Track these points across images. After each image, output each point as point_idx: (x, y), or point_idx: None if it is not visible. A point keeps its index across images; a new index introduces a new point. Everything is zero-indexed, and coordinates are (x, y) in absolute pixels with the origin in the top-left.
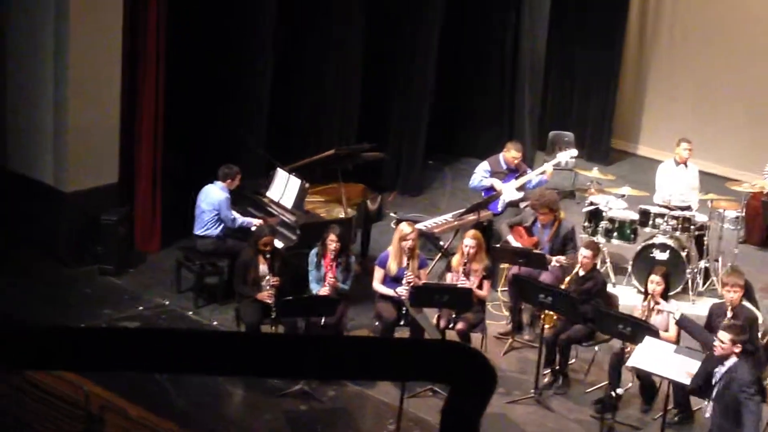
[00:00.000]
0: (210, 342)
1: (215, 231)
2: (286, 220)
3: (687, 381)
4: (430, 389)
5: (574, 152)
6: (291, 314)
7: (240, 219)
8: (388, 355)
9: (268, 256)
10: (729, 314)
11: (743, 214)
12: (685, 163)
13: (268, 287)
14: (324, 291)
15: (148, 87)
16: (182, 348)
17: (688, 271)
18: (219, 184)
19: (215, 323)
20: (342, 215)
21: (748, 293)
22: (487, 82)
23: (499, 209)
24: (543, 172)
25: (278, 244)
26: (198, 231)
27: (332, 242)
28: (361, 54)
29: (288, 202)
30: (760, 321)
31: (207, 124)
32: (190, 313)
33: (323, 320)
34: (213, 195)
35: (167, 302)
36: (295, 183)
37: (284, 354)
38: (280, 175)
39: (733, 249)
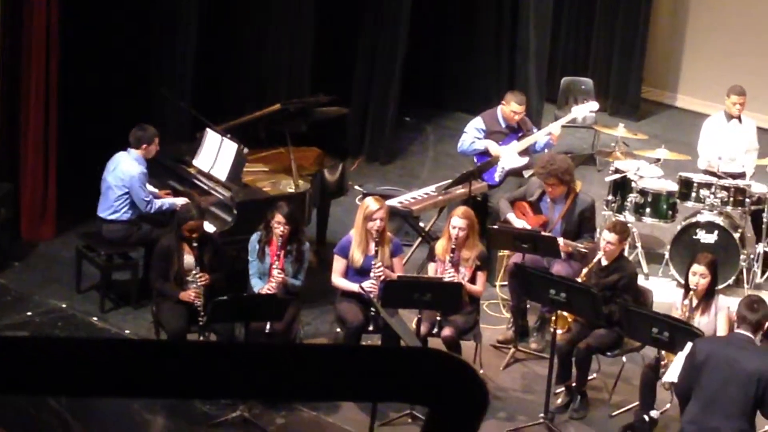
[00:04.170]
0: (121, 355)
1: (126, 214)
2: (218, 196)
3: None
4: (409, 414)
5: (594, 105)
6: (226, 319)
7: (158, 201)
8: (353, 370)
9: (195, 244)
10: None
11: None
12: (739, 118)
13: (195, 284)
14: (269, 288)
15: (36, 28)
16: (85, 364)
17: (742, 257)
18: (133, 152)
19: (127, 332)
20: (291, 189)
21: None
22: (480, 17)
23: (497, 180)
24: (550, 133)
25: (209, 228)
26: (104, 213)
27: (279, 225)
28: None
29: (221, 173)
30: None
31: (115, 76)
32: (95, 319)
33: (268, 326)
34: (124, 167)
35: (64, 305)
36: (230, 148)
37: (217, 370)
38: (211, 137)
39: None
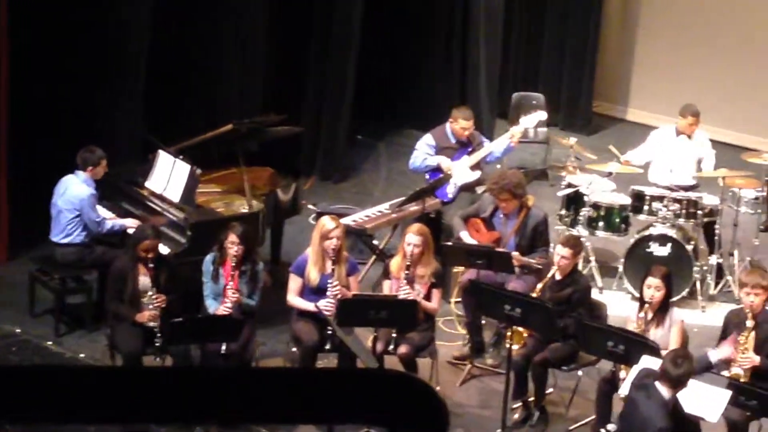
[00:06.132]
0: (75, 380)
1: (79, 237)
2: (172, 218)
3: (705, 414)
4: None
5: (543, 115)
6: (182, 340)
7: (109, 222)
8: (310, 391)
9: (150, 265)
10: (749, 323)
11: (764, 193)
12: (688, 135)
13: (150, 306)
14: (224, 309)
15: None
16: (39, 389)
17: (695, 269)
18: (81, 175)
19: (82, 355)
20: (245, 209)
21: None
22: (430, 35)
23: (450, 196)
24: (512, 136)
25: (163, 249)
26: (56, 237)
27: (233, 245)
28: (267, 5)
29: (174, 194)
30: None
31: (66, 98)
32: (50, 343)
33: (224, 347)
34: (73, 190)
35: (18, 330)
36: (183, 169)
37: (173, 393)
38: (163, 159)
39: (752, 239)
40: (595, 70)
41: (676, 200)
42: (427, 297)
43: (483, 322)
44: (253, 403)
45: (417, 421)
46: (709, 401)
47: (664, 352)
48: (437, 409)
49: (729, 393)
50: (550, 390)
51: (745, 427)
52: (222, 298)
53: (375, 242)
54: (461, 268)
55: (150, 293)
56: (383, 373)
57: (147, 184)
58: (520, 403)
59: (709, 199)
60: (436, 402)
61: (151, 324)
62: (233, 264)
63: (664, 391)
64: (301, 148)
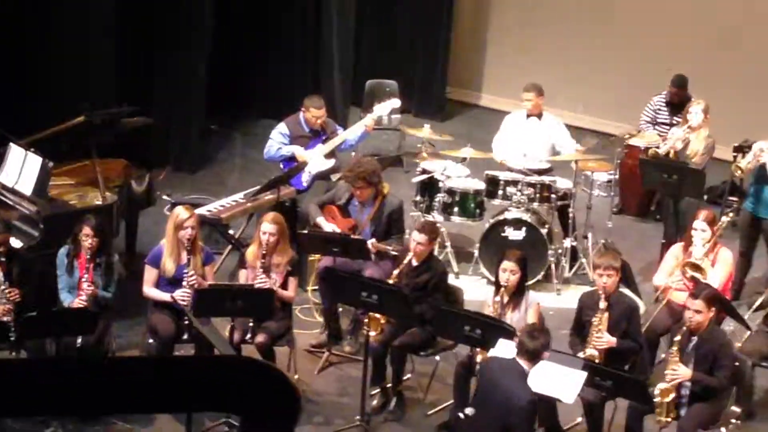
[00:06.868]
0: None
1: None
2: (24, 211)
3: (561, 395)
4: (226, 422)
5: (396, 102)
6: (36, 335)
7: None
8: (167, 381)
9: (2, 259)
10: (603, 304)
11: (616, 176)
12: (538, 116)
13: (3, 300)
14: (79, 302)
15: None
16: None
17: (550, 252)
18: None
19: None
20: (99, 201)
21: (626, 277)
22: (284, 24)
23: (305, 184)
24: (366, 124)
25: (15, 243)
26: None
27: (87, 237)
28: None
29: (26, 187)
30: (642, 311)
31: None
32: None
33: (80, 340)
34: None
35: None
36: (34, 162)
37: (27, 386)
38: (15, 152)
39: (605, 222)
40: (449, 57)
41: (529, 184)
42: (284, 285)
43: (340, 309)
44: (112, 393)
45: (269, 407)
46: (565, 382)
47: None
48: (289, 395)
49: (584, 374)
50: (408, 376)
51: (600, 407)
52: (77, 290)
53: (230, 232)
54: (317, 256)
55: (2, 287)
56: (234, 361)
57: None
58: (378, 390)
59: (563, 183)
60: (287, 388)
61: (5, 319)
62: (88, 256)
63: (523, 364)
64: (155, 140)
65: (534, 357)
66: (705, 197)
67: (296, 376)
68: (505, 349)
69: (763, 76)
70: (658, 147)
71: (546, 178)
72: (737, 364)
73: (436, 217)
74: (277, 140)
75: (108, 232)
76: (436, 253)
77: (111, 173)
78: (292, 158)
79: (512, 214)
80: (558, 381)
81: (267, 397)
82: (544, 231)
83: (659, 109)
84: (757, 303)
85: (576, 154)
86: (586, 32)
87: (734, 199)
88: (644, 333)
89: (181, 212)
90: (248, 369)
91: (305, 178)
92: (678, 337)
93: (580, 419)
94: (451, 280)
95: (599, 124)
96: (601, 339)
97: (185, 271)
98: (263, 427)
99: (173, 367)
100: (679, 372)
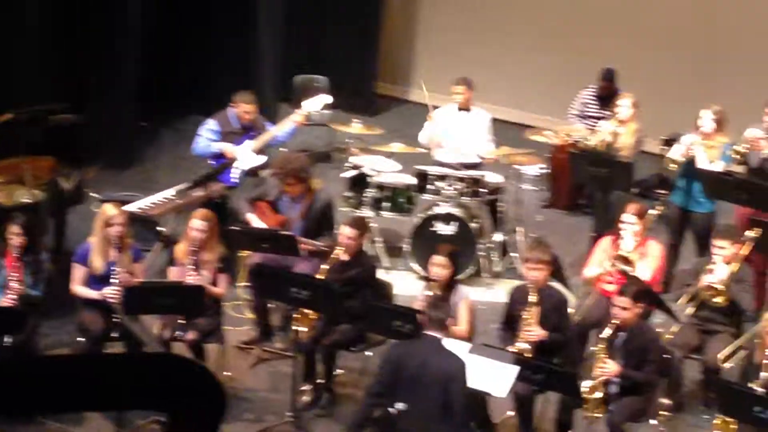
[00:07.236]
0: None
1: None
2: None
3: (493, 390)
4: (155, 420)
5: (327, 98)
6: None
7: None
8: (96, 379)
9: None
10: (533, 298)
11: (547, 171)
12: (467, 109)
13: None
14: (7, 301)
15: None
16: None
17: (480, 247)
18: None
19: None
20: (27, 199)
21: (556, 271)
22: (213, 20)
23: (234, 180)
24: (295, 120)
25: None
26: None
27: (15, 236)
28: None
29: None
30: (571, 305)
31: None
32: None
33: (8, 339)
34: None
35: None
36: None
37: None
38: None
39: (535, 216)
40: (378, 52)
41: (459, 179)
42: (214, 282)
43: (270, 306)
44: (40, 392)
45: (194, 404)
46: (497, 377)
47: (452, 328)
48: (214, 391)
49: (517, 368)
50: (339, 371)
51: (531, 400)
52: (5, 289)
53: (160, 229)
54: (248, 252)
55: None
56: (158, 358)
57: None
58: (309, 386)
59: (493, 177)
60: (213, 384)
61: None
62: (15, 255)
63: (436, 334)
64: (84, 137)
65: (442, 325)
66: (634, 190)
67: (227, 373)
68: (457, 349)
69: (688, 70)
70: (587, 140)
71: (475, 173)
72: (667, 356)
73: (367, 212)
74: (206, 136)
75: (36, 231)
76: (366, 248)
77: (39, 171)
78: (221, 155)
79: (442, 208)
80: (490, 375)
81: (191, 394)
82: (474, 225)
83: (588, 103)
84: (685, 295)
85: (504, 149)
86: (512, 28)
87: (662, 192)
88: (574, 326)
89: (108, 209)
90: (172, 366)
91: (235, 174)
92: (606, 333)
93: (511, 413)
94: (381, 274)
95: (527, 118)
96: (532, 333)
97: (113, 268)
98: (188, 424)
99: (100, 364)
100: (608, 368)
